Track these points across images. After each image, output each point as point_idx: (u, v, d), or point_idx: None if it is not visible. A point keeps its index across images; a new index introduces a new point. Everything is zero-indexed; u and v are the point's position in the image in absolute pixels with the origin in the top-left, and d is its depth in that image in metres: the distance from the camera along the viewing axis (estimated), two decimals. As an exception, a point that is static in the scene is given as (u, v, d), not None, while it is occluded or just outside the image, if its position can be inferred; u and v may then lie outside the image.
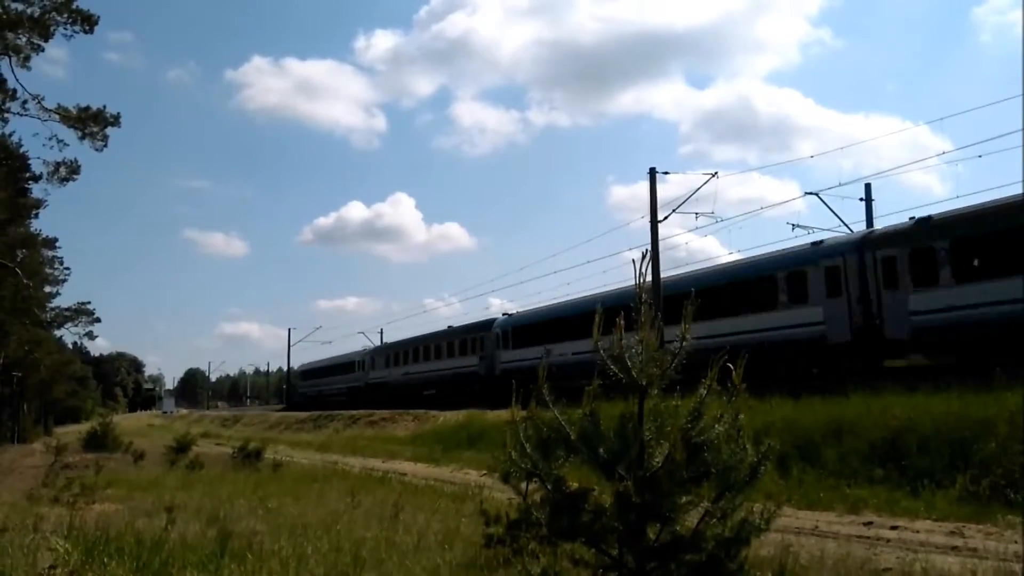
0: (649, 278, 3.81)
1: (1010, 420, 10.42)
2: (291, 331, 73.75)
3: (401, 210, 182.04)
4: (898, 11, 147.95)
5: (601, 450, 3.58)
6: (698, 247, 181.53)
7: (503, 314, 37.53)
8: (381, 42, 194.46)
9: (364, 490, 11.78)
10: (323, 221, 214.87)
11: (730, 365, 3.59)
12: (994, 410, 10.92)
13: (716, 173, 26.37)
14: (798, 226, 26.99)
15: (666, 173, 26.61)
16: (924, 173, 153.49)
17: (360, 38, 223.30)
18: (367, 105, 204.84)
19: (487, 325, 37.46)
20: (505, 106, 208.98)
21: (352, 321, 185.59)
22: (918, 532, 8.47)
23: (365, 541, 6.94)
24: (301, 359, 76.88)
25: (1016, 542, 7.44)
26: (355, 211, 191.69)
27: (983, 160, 23.94)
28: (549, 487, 3.67)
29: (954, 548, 7.48)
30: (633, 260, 3.71)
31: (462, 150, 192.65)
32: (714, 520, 3.51)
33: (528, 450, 3.73)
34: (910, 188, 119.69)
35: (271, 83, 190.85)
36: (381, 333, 65.91)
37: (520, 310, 36.69)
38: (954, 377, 13.51)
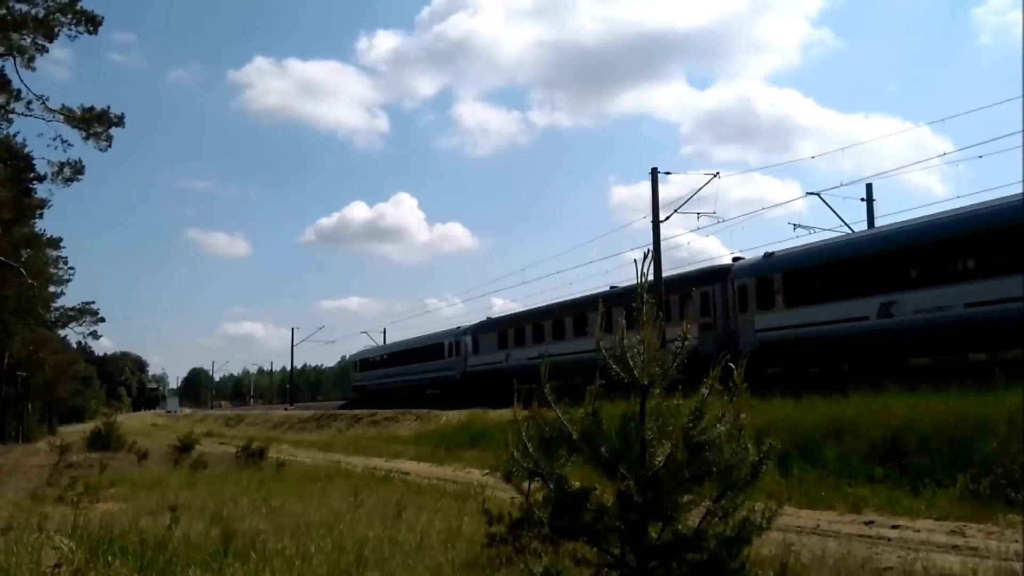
0: (651, 278, 3.84)
1: (1010, 420, 10.43)
2: (294, 331, 74.59)
3: (403, 210, 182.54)
4: (898, 11, 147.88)
5: (603, 449, 3.60)
6: (700, 247, 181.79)
7: (734, 257, 24.37)
8: (383, 43, 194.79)
9: (367, 489, 11.78)
10: (326, 221, 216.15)
11: (731, 365, 3.61)
12: (994, 410, 10.93)
13: (717, 173, 26.36)
14: (799, 226, 26.98)
15: (668, 173, 26.67)
16: (925, 174, 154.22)
17: (362, 39, 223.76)
18: (369, 106, 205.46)
19: (716, 274, 24.04)
20: (507, 107, 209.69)
21: (355, 321, 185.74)
22: (919, 531, 8.48)
23: (368, 540, 6.95)
24: (304, 359, 77.02)
25: (1017, 541, 7.45)
26: (358, 211, 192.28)
27: (984, 160, 23.95)
28: (551, 486, 3.69)
29: (955, 547, 7.49)
30: (635, 260, 3.73)
31: (464, 150, 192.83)
32: (716, 519, 3.53)
33: (530, 449, 3.75)
34: (911, 188, 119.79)
35: (273, 84, 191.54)
36: (384, 333, 65.93)
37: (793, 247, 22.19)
38: (954, 377, 13.55)
